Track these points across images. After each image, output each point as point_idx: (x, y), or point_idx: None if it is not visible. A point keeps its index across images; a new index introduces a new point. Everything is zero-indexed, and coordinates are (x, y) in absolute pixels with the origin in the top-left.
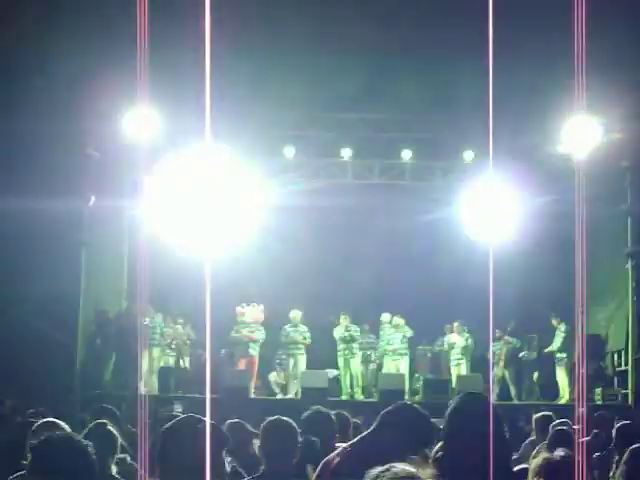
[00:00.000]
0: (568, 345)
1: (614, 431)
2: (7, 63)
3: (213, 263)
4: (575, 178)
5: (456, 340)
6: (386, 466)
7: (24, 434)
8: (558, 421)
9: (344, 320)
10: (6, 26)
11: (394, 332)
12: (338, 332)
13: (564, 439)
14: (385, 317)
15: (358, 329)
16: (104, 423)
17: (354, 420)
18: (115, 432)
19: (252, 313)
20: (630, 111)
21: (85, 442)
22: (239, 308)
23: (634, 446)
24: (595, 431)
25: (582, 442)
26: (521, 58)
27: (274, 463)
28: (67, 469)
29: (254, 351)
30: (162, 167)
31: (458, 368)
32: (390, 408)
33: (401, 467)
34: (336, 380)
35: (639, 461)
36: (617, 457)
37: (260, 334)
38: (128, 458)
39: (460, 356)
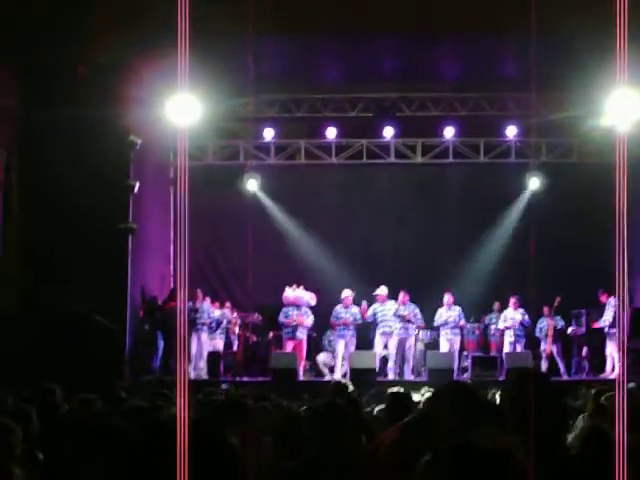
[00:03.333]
0: (619, 319)
1: None
2: (51, 53)
3: (256, 247)
4: (617, 151)
5: (513, 317)
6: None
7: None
8: (608, 394)
9: (403, 297)
10: (49, 17)
11: (446, 310)
12: (394, 310)
13: (606, 409)
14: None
15: (416, 309)
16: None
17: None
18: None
19: (302, 296)
20: None
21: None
22: (289, 290)
23: None
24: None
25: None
26: (562, 32)
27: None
28: None
29: (302, 335)
30: (204, 152)
31: (515, 345)
32: (441, 387)
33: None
34: (384, 360)
35: None
36: None
37: (309, 319)
38: None
39: (518, 332)
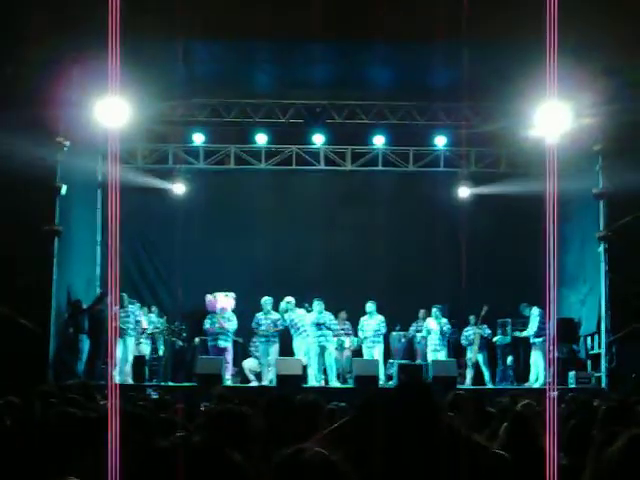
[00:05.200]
0: (543, 329)
1: (600, 412)
2: None
3: (184, 252)
4: (547, 162)
5: (433, 326)
6: (295, 448)
7: None
8: (524, 402)
9: (317, 306)
10: None
11: (368, 319)
12: (311, 318)
13: (524, 418)
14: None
15: (332, 316)
16: None
17: (334, 405)
18: None
19: (223, 302)
20: (601, 96)
21: None
22: (209, 297)
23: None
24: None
25: (553, 397)
26: (493, 44)
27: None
28: None
29: (225, 342)
30: (132, 155)
31: (436, 354)
32: (366, 397)
33: (313, 450)
34: (303, 367)
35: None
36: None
37: (231, 324)
38: None
39: (437, 342)
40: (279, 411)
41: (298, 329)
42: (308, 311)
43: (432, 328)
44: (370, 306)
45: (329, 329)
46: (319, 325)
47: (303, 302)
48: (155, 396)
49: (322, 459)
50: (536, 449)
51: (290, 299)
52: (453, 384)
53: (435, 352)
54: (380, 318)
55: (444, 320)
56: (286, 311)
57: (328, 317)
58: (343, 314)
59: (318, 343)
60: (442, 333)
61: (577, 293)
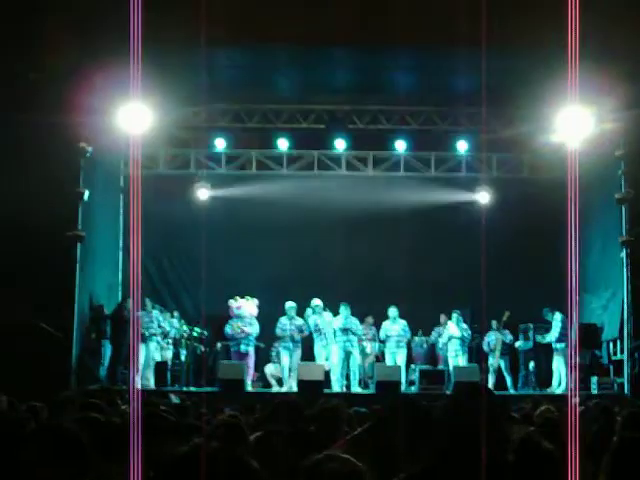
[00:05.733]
0: (565, 334)
1: (619, 419)
2: (2, 59)
3: (206, 257)
4: (568, 167)
5: (454, 331)
6: (323, 455)
7: (19, 430)
8: (541, 408)
9: (344, 311)
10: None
11: (391, 324)
12: (338, 323)
13: (551, 423)
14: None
15: (358, 321)
16: None
17: (353, 411)
18: None
19: (246, 307)
20: (622, 101)
21: None
22: (232, 301)
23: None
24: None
25: (575, 403)
26: (514, 49)
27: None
28: None
29: (248, 347)
30: (154, 161)
31: (457, 359)
32: (387, 402)
33: (339, 458)
34: (326, 372)
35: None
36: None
37: (254, 329)
38: None
39: (458, 347)
40: (299, 417)
41: (321, 334)
42: (333, 315)
43: (453, 333)
44: (393, 311)
45: (355, 334)
46: (345, 330)
47: (324, 307)
48: (176, 401)
49: (348, 466)
50: (563, 455)
51: (318, 302)
52: None
53: (455, 357)
54: (403, 323)
55: (464, 325)
56: (312, 314)
57: (354, 322)
58: (370, 319)
59: (344, 348)
60: (462, 338)
61: (599, 298)
